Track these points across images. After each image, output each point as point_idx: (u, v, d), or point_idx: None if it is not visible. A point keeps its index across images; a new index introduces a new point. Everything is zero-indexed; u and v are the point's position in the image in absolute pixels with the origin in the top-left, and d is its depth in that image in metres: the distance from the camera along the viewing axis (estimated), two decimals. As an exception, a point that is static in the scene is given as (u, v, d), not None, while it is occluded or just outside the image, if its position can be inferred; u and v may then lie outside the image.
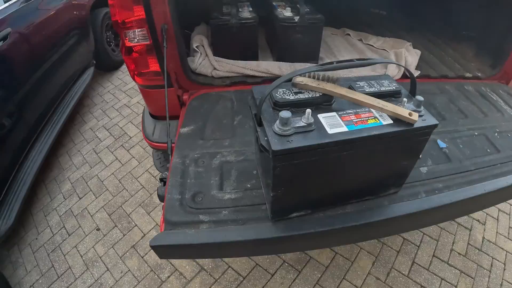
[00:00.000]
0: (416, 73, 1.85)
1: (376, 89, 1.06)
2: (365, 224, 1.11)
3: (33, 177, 2.35)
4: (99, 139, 2.96)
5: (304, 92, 1.02)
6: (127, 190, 2.57)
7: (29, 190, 2.28)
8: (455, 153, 1.40)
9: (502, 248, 2.18)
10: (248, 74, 1.76)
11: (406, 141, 1.01)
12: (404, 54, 1.83)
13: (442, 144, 1.44)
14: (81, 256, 2.20)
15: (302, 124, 0.93)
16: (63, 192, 2.59)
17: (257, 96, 1.04)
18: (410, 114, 0.93)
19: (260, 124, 0.96)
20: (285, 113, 0.89)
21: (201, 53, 1.84)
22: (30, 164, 2.42)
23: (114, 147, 2.94)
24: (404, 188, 1.23)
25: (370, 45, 2.16)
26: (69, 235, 2.32)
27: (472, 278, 2.00)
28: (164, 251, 1.09)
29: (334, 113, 0.98)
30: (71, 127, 3.13)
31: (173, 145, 1.44)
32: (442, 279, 1.98)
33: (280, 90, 1.02)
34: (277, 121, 0.90)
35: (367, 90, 1.04)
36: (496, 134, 1.55)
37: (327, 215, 1.13)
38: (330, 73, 1.00)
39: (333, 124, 0.94)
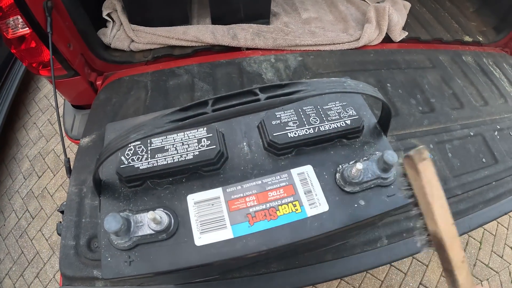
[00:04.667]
0: (403, 35, 1.23)
1: (312, 126, 0.52)
2: None
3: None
4: (54, 107, 2.43)
5: (170, 147, 0.51)
6: (86, 165, 2.15)
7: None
8: (440, 167, 0.91)
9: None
10: (173, 45, 1.15)
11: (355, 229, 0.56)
12: (388, 10, 1.16)
13: (424, 155, 0.96)
14: (47, 240, 1.91)
15: (150, 229, 0.45)
16: (22, 172, 2.19)
17: (109, 141, 0.54)
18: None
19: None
20: (111, 220, 0.42)
21: (114, 22, 1.23)
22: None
23: (69, 115, 2.41)
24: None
25: (346, -6, 1.45)
26: (33, 218, 2.00)
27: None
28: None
29: (217, 193, 0.48)
30: (26, 96, 2.55)
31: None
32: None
33: (133, 145, 0.53)
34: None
35: (292, 134, 0.51)
36: (496, 133, 1.04)
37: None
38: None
39: (210, 221, 0.46)
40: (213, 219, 0.46)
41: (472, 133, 1.01)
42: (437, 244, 0.35)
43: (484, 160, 0.98)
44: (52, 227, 1.97)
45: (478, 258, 1.73)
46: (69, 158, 1.00)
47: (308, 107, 0.54)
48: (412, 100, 1.02)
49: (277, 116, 0.52)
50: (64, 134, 1.39)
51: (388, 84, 1.03)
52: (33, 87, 2.61)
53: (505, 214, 0.94)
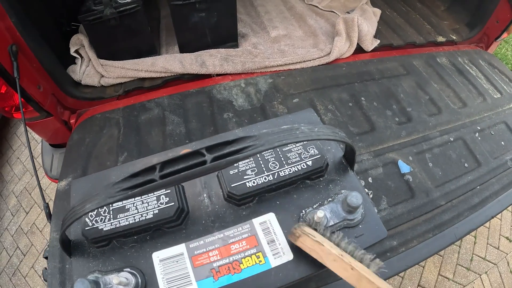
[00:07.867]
0: (375, 44, 1.24)
1: (271, 172, 0.51)
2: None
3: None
4: (36, 140, 2.40)
5: (130, 207, 0.52)
6: (73, 198, 2.15)
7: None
8: (422, 179, 0.91)
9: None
10: (143, 77, 1.15)
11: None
12: (357, 21, 1.17)
13: (404, 168, 0.94)
14: (40, 277, 1.91)
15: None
16: (10, 209, 2.18)
17: (74, 202, 0.57)
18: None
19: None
20: (80, 286, 0.43)
21: (83, 58, 1.23)
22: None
23: (51, 148, 2.40)
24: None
25: (313, 5, 1.43)
26: (24, 256, 2.00)
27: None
28: None
29: (181, 249, 0.48)
30: (8, 130, 2.54)
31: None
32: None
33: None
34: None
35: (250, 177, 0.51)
36: (476, 134, 1.04)
37: None
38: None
39: (176, 278, 0.46)
40: (179, 276, 0.46)
41: (452, 139, 1.01)
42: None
43: (466, 164, 0.98)
44: (44, 263, 1.97)
45: (474, 252, 1.73)
46: (48, 203, 1.00)
47: (267, 152, 0.54)
48: (388, 111, 1.02)
49: (235, 164, 0.52)
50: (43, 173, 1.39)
51: (362, 98, 1.03)
52: (14, 121, 2.59)
53: (492, 218, 0.94)
